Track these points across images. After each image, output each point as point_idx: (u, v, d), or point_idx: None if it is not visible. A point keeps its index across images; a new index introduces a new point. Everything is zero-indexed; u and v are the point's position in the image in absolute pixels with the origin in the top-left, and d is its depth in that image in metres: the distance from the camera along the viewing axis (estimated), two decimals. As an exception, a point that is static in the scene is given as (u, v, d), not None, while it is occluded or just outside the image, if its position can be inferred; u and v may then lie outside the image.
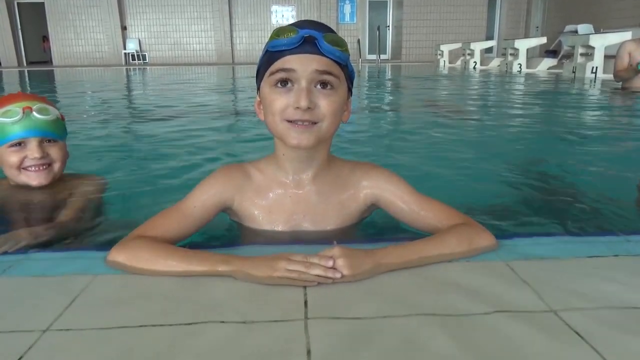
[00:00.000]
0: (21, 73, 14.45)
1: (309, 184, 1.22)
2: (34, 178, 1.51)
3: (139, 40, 19.13)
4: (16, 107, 1.47)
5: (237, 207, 1.23)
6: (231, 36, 19.28)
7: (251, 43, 19.37)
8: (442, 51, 14.76)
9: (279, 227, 1.22)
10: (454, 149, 2.73)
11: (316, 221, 1.22)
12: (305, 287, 0.94)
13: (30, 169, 1.50)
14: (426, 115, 4.51)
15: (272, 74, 1.08)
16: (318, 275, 0.94)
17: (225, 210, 1.25)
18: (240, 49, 19.47)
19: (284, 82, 1.07)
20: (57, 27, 18.74)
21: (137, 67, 16.77)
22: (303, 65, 1.05)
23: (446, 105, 5.44)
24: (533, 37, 15.57)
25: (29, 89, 9.45)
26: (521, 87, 7.77)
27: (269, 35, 1.11)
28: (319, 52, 1.06)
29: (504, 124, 3.95)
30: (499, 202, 1.74)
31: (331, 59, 1.07)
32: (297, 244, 1.15)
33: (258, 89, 1.17)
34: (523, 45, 11.03)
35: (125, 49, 18.95)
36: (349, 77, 1.16)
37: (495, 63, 13.27)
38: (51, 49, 19.02)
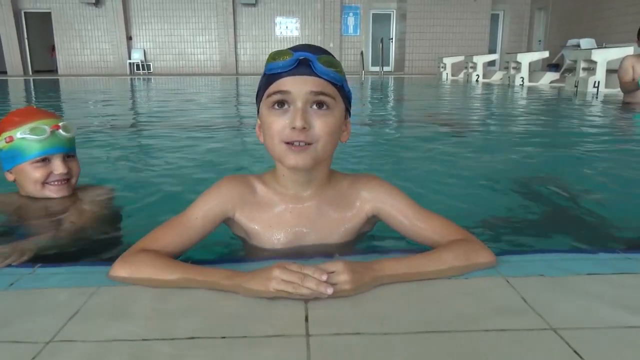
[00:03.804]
0: (27, 81, 14.57)
1: (310, 199, 1.23)
2: (56, 192, 1.57)
3: (144, 50, 19.30)
4: (44, 125, 1.53)
5: (238, 219, 1.24)
6: (235, 47, 19.45)
7: (255, 54, 19.52)
8: (445, 64, 14.83)
9: (280, 241, 1.23)
10: (456, 163, 2.73)
11: (317, 235, 1.23)
12: (306, 301, 0.95)
13: (53, 183, 1.56)
14: (428, 129, 4.52)
15: (269, 96, 1.11)
16: (312, 290, 0.94)
17: (227, 222, 1.26)
18: (245, 60, 19.62)
19: (280, 103, 1.09)
20: (63, 36, 18.95)
21: (141, 77, 16.90)
22: (298, 86, 1.07)
23: (449, 118, 5.46)
24: (535, 50, 15.66)
25: (33, 97, 9.52)
26: (524, 101, 7.80)
27: (267, 57, 1.14)
28: (313, 74, 1.08)
29: (506, 138, 3.96)
30: (500, 217, 1.75)
31: (326, 79, 1.09)
32: (297, 258, 1.15)
33: (258, 111, 1.19)
34: (525, 58, 11.09)
35: (130, 58, 19.11)
36: (346, 97, 1.18)
37: (497, 76, 13.34)
38: (57, 58, 19.21)
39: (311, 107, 1.09)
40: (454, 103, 7.84)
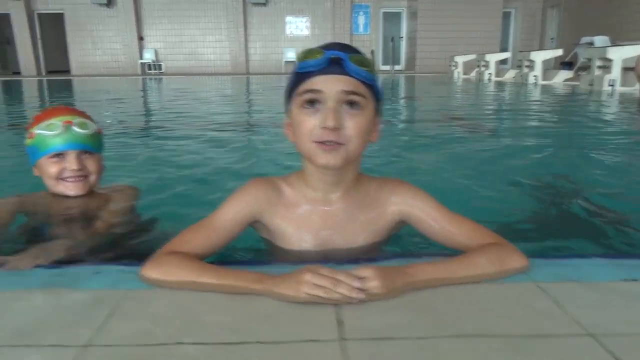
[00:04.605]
0: (40, 82, 14.71)
1: (337, 202, 1.22)
2: (71, 188, 1.56)
3: (155, 50, 19.40)
4: (57, 121, 1.53)
5: (265, 222, 1.24)
6: (246, 46, 19.46)
7: (265, 53, 19.54)
8: (457, 62, 14.74)
9: (307, 244, 1.22)
10: (475, 163, 2.70)
11: (344, 238, 1.22)
12: (336, 306, 0.94)
13: (68, 179, 1.56)
14: (444, 130, 4.49)
15: (300, 94, 1.10)
16: (344, 295, 0.94)
17: (254, 225, 1.26)
18: (255, 59, 19.64)
19: (311, 102, 1.09)
20: (75, 37, 19.13)
21: (153, 77, 16.99)
22: (330, 85, 1.07)
23: (464, 119, 5.40)
24: (548, 48, 15.53)
25: (47, 97, 9.61)
26: (539, 100, 7.72)
27: (296, 56, 1.13)
28: (345, 73, 1.08)
29: (525, 138, 3.90)
30: (527, 221, 1.72)
31: (357, 79, 1.08)
32: (325, 261, 1.15)
33: (287, 110, 1.19)
34: (539, 57, 11.01)
35: (141, 58, 19.22)
36: (378, 97, 1.17)
37: (510, 74, 13.24)
38: (70, 59, 19.38)
39: (342, 106, 1.08)
40: (469, 102, 7.79)
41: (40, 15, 19.09)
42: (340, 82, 1.07)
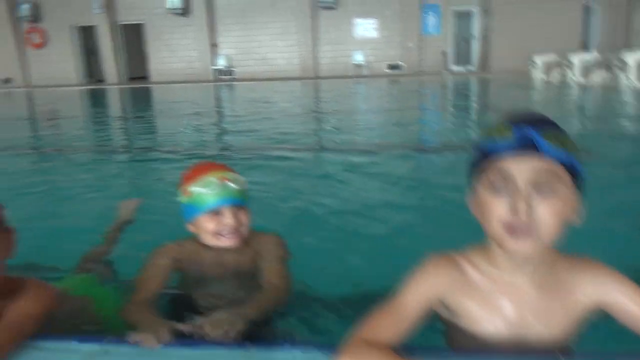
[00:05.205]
0: (122, 90, 15.54)
1: (526, 284, 1.14)
2: (228, 243, 1.60)
3: (228, 57, 19.98)
4: (214, 178, 1.57)
5: (448, 302, 1.17)
6: (314, 50, 19.60)
7: (334, 57, 19.56)
8: (536, 63, 14.05)
9: (493, 328, 1.15)
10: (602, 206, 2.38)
11: (534, 325, 1.14)
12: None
13: (224, 234, 1.59)
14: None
15: (486, 175, 1.03)
16: None
17: (434, 305, 1.21)
18: (324, 63, 19.71)
19: (499, 183, 1.02)
20: (154, 45, 20.11)
21: (226, 83, 17.46)
22: (519, 168, 0.98)
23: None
24: (634, 44, 14.43)
25: (128, 106, 10.05)
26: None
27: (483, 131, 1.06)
28: (538, 153, 0.99)
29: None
30: None
31: (552, 158, 1.00)
32: (515, 354, 1.08)
33: (471, 185, 1.13)
34: (633, 57, 10.24)
35: (214, 65, 19.87)
36: (576, 175, 1.07)
37: (597, 77, 12.41)
38: (148, 66, 20.42)
39: (534, 190, 1.00)
40: (560, 113, 7.22)
41: (122, 26, 20.22)
42: (532, 164, 0.98)
